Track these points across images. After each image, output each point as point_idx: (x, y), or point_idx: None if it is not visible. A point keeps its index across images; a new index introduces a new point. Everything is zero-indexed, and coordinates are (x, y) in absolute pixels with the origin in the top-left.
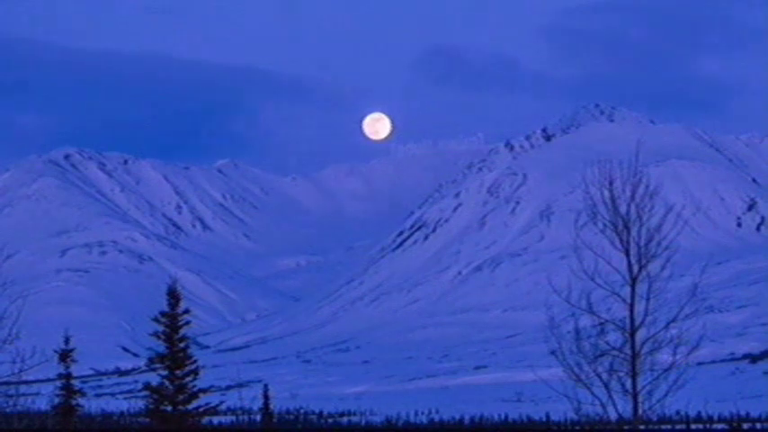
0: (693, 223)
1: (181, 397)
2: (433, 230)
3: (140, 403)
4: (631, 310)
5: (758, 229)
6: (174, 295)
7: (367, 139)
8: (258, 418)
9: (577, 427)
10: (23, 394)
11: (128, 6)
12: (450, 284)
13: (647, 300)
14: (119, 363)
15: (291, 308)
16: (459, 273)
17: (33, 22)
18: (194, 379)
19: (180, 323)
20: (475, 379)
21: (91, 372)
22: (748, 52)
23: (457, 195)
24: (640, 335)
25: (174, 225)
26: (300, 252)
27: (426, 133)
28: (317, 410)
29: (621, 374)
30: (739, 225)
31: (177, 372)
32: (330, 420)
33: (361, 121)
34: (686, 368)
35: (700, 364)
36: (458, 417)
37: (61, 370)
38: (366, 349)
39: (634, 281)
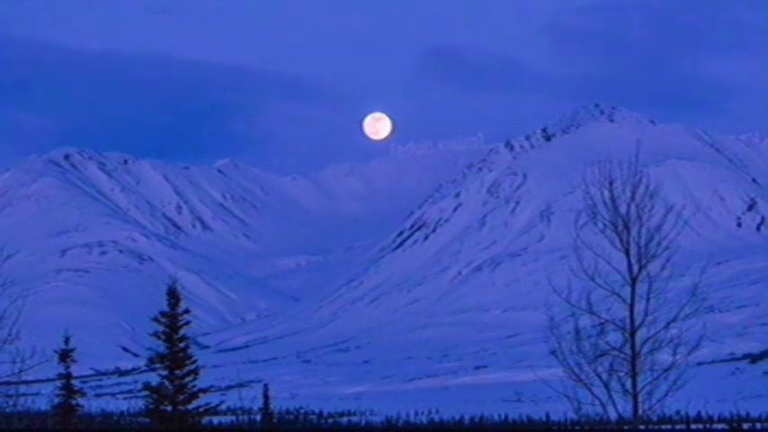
0: (693, 223)
1: (181, 397)
2: (433, 230)
3: (140, 403)
4: (631, 310)
5: (758, 229)
6: (174, 295)
7: (367, 138)
8: (258, 418)
9: (577, 427)
10: (23, 394)
11: (128, 6)
12: (450, 284)
13: (647, 300)
14: (119, 363)
15: (291, 308)
16: (459, 273)
17: (33, 22)
18: (194, 379)
19: (180, 323)
20: (475, 379)
21: (91, 372)
22: (748, 52)
23: (457, 195)
24: (640, 335)
25: (174, 225)
26: (300, 252)
27: (426, 133)
28: (317, 410)
29: (621, 374)
30: (739, 225)
31: (177, 372)
32: (330, 420)
33: (361, 121)
34: (686, 368)
35: (700, 364)
36: (458, 417)
37: (61, 370)
38: (366, 349)
39: (634, 281)
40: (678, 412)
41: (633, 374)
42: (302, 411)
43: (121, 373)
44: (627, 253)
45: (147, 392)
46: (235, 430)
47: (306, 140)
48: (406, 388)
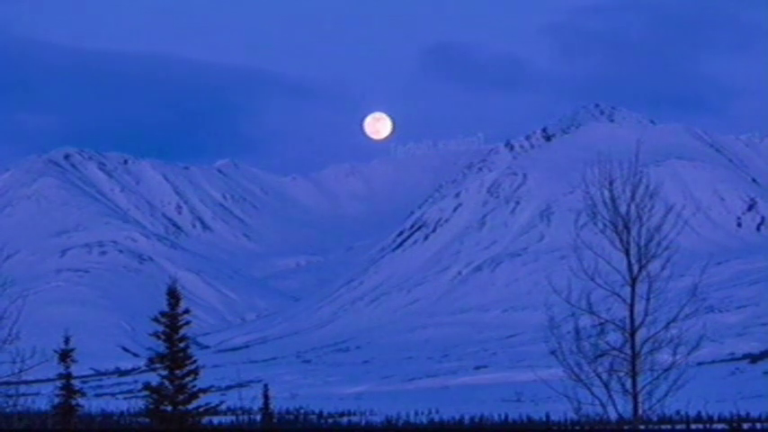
0: (693, 223)
1: (181, 397)
2: (433, 230)
3: (140, 403)
4: (631, 310)
5: (758, 229)
6: (174, 295)
7: (367, 138)
8: (258, 418)
9: (577, 427)
10: (23, 394)
11: (128, 6)
12: (450, 284)
13: (647, 300)
14: (119, 363)
15: (291, 308)
16: (459, 273)
17: (33, 22)
18: (194, 379)
19: (180, 323)
20: (475, 379)
21: (91, 372)
22: (748, 52)
23: (457, 195)
24: (640, 335)
25: (174, 225)
26: (300, 252)
27: (426, 133)
28: (317, 410)
29: (621, 374)
30: (739, 225)
31: (177, 372)
32: (330, 420)
33: (360, 120)
34: (686, 368)
35: (700, 364)
36: (458, 417)
37: (61, 370)
38: (366, 349)
39: (634, 281)
40: (678, 412)
41: (633, 374)
42: (302, 411)
43: (121, 373)
44: (627, 253)
45: (147, 392)
46: (235, 430)
47: (306, 140)
48: (406, 388)
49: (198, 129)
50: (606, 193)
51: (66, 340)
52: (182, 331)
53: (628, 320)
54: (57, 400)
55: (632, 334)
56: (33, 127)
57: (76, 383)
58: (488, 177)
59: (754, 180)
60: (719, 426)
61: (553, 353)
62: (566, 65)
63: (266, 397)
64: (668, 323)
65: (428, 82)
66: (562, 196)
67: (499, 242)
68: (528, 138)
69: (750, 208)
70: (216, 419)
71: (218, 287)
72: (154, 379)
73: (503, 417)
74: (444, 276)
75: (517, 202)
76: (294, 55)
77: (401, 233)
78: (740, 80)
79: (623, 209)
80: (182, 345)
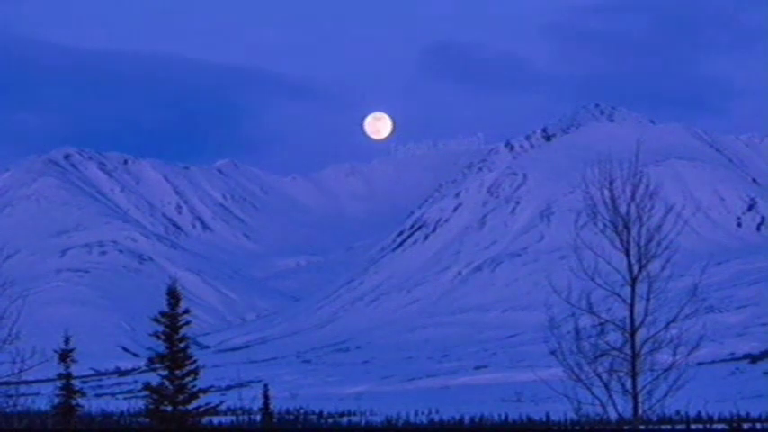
0: (693, 223)
1: (181, 397)
2: (433, 230)
3: (140, 403)
4: (631, 310)
5: (758, 229)
6: (174, 295)
7: (368, 138)
8: (258, 418)
9: (577, 427)
10: (23, 394)
11: (128, 6)
12: (450, 284)
13: (647, 300)
14: (119, 363)
15: (291, 308)
16: (459, 273)
17: (34, 22)
18: (194, 379)
19: (180, 323)
20: (475, 379)
21: (91, 372)
22: (748, 53)
23: (457, 195)
24: (640, 335)
25: (174, 225)
26: (300, 252)
27: (426, 133)
28: (317, 410)
29: (621, 374)
30: (739, 225)
31: (177, 372)
32: (330, 420)
33: (360, 120)
34: (686, 368)
35: (700, 364)
36: (458, 417)
37: (61, 370)
38: (366, 349)
39: (634, 281)
40: (678, 412)
41: (633, 374)
42: (302, 411)
43: (121, 373)
44: (627, 253)
45: (147, 392)
46: (235, 430)
47: (306, 140)
48: (406, 388)
49: (198, 129)
50: (606, 193)
51: (67, 340)
52: (182, 331)
53: (628, 320)
54: (57, 400)
55: (632, 334)
56: (33, 127)
57: (76, 383)
58: (488, 177)
59: (754, 180)
60: (719, 426)
61: (553, 353)
62: (566, 65)
63: (266, 397)
64: (668, 323)
65: (428, 82)
66: (562, 196)
67: (499, 242)
68: (528, 138)
69: (750, 208)
70: (216, 419)
71: (218, 287)
72: (154, 379)
73: (503, 417)
74: (444, 276)
75: (517, 202)
76: (294, 55)
77: (401, 233)
78: (740, 80)
79: (623, 209)
80: (182, 345)
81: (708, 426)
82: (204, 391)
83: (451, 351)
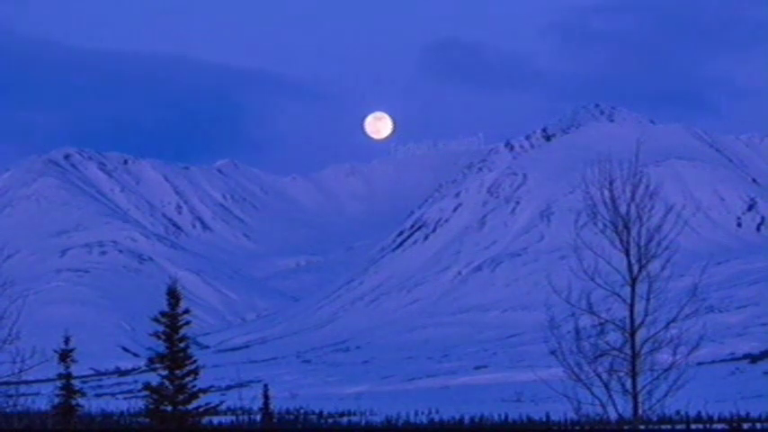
0: (693, 223)
1: (181, 397)
2: (433, 230)
3: (140, 403)
4: (631, 310)
5: (758, 229)
6: (174, 295)
7: (368, 138)
8: (258, 418)
9: (577, 427)
10: (23, 394)
11: (128, 6)
12: (450, 284)
13: (647, 300)
14: (119, 363)
15: (291, 308)
16: (459, 273)
17: (34, 22)
18: (194, 379)
19: (180, 323)
20: (475, 379)
21: (91, 372)
22: (749, 52)
23: (457, 195)
24: (640, 335)
25: (174, 225)
26: (300, 252)
27: (426, 133)
28: (317, 410)
29: (621, 374)
30: (739, 225)
31: (177, 372)
32: (330, 420)
33: (361, 120)
34: (686, 368)
35: (700, 364)
36: (458, 417)
37: (61, 370)
38: (366, 349)
39: (634, 281)
40: (678, 412)
41: (633, 374)
42: (302, 411)
43: (121, 373)
44: (627, 253)
45: (147, 392)
46: (235, 430)
47: (306, 140)
48: (406, 388)
49: (198, 129)
50: (606, 193)
51: (67, 340)
52: (182, 331)
53: (628, 320)
54: (57, 400)
55: (632, 334)
56: (33, 127)
57: (76, 383)
58: (488, 177)
59: (754, 180)
60: (719, 426)
61: (553, 353)
62: (566, 64)
63: (266, 397)
64: (668, 323)
65: (428, 82)
66: (562, 196)
67: (499, 242)
68: (528, 138)
69: (750, 208)
70: (216, 419)
71: (218, 287)
72: (154, 379)
73: (503, 417)
74: (444, 276)
75: (517, 202)
76: (294, 55)
77: (401, 233)
78: (740, 80)
79: (623, 209)
80: (182, 345)
81: (708, 426)
82: (204, 391)
83: (451, 351)
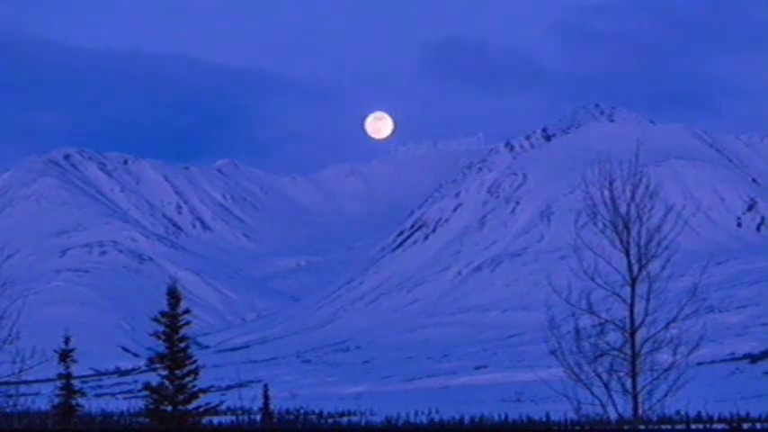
0: (693, 223)
1: (181, 397)
2: (433, 230)
3: (140, 403)
4: (631, 310)
5: (758, 229)
6: (174, 295)
7: (368, 138)
8: (258, 418)
9: (577, 427)
10: (23, 394)
11: (128, 6)
12: (450, 284)
13: (647, 300)
14: (119, 363)
15: (291, 308)
16: (459, 273)
17: (34, 22)
18: (194, 379)
19: (180, 323)
20: (475, 379)
21: (91, 372)
22: (749, 52)
23: (457, 195)
24: (640, 335)
25: (174, 225)
26: (300, 252)
27: (426, 133)
28: (317, 410)
29: (621, 374)
30: (739, 225)
31: (177, 372)
32: (330, 420)
33: (361, 120)
34: (686, 368)
35: (700, 364)
36: (458, 417)
37: (61, 370)
38: (366, 349)
39: (634, 281)
40: (678, 412)
41: (633, 374)
42: (302, 411)
43: (121, 373)
44: (627, 253)
45: (147, 392)
46: (235, 430)
47: (306, 140)
48: (406, 388)
49: (198, 129)
50: (606, 193)
51: (67, 340)
52: (182, 331)
53: (628, 320)
54: (57, 400)
55: (632, 334)
56: (33, 127)
57: (76, 383)
58: (488, 177)
59: (754, 180)
60: (719, 426)
61: (553, 353)
62: (566, 64)
63: (266, 397)
64: (668, 323)
65: (428, 82)
66: (562, 196)
67: (499, 242)
68: (528, 138)
69: (750, 208)
70: (216, 419)
71: (218, 287)
72: (154, 379)
73: (503, 417)
74: (444, 276)
75: (517, 202)
76: (294, 55)
77: (401, 233)
78: (741, 80)
79: (623, 209)
80: (182, 345)
81: (708, 426)
82: (204, 391)
83: (451, 351)
